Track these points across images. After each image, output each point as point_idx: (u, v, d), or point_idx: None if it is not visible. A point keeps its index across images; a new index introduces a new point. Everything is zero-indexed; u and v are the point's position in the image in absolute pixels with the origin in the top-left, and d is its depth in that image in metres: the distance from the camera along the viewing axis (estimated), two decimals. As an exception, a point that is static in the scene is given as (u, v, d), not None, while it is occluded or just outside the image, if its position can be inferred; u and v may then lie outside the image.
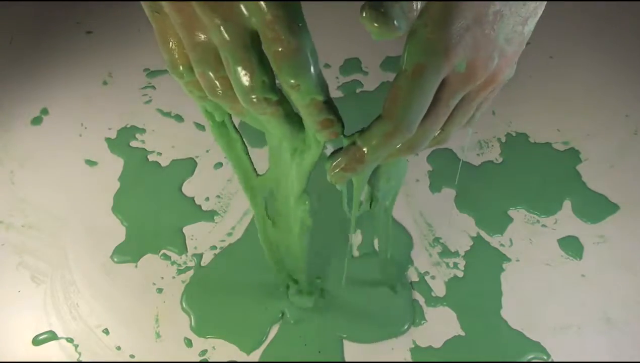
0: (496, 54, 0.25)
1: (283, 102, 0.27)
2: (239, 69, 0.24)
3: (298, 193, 0.32)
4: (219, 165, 0.53)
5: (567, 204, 0.50)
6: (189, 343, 0.43)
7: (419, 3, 0.24)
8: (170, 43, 0.27)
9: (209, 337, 0.43)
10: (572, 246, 0.47)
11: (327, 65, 0.61)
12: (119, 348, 0.43)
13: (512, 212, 0.49)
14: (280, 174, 0.32)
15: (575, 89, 0.58)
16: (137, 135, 0.55)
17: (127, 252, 0.48)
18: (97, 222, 0.50)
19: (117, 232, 0.49)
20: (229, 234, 0.48)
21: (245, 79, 0.25)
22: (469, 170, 0.52)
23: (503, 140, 0.54)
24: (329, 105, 0.27)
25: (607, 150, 0.53)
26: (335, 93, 0.58)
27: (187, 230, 0.49)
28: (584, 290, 0.45)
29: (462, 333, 0.43)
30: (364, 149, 0.28)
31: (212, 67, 0.25)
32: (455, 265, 0.46)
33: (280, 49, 0.24)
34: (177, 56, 0.27)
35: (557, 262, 0.47)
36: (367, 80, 0.59)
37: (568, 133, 0.55)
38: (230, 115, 0.32)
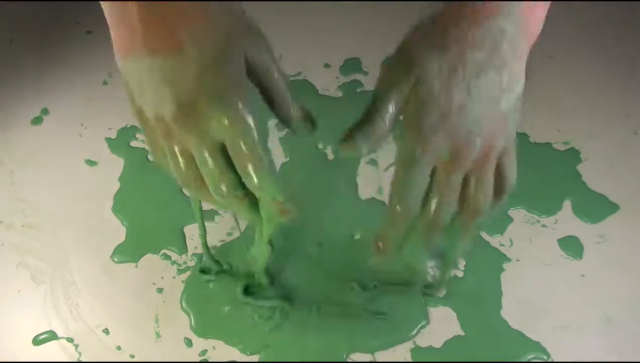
0: (474, 136, 0.28)
1: (248, 194, 0.30)
2: (211, 171, 0.28)
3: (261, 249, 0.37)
4: (219, 165, 0.53)
5: (567, 204, 0.50)
6: (189, 343, 0.43)
7: (388, 121, 0.29)
8: (156, 143, 0.30)
9: (208, 338, 0.43)
10: (572, 246, 0.47)
11: (327, 66, 0.61)
12: (119, 348, 0.43)
13: (512, 212, 0.49)
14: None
15: (575, 89, 0.58)
16: (138, 135, 0.55)
17: (127, 252, 0.48)
18: (97, 222, 0.50)
19: (117, 232, 0.49)
20: (229, 234, 0.48)
21: (215, 179, 0.28)
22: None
23: (503, 140, 0.54)
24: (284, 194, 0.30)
25: (607, 150, 0.53)
26: (335, 93, 0.58)
27: (187, 230, 0.49)
28: (584, 290, 0.45)
29: (462, 333, 0.43)
30: (379, 243, 0.32)
31: (188, 167, 0.29)
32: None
33: (247, 162, 0.28)
34: (158, 152, 0.31)
35: (557, 262, 0.47)
36: (368, 80, 0.59)
37: (568, 133, 0.55)
38: None
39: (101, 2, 0.29)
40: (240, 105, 0.27)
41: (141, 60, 0.27)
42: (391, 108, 0.29)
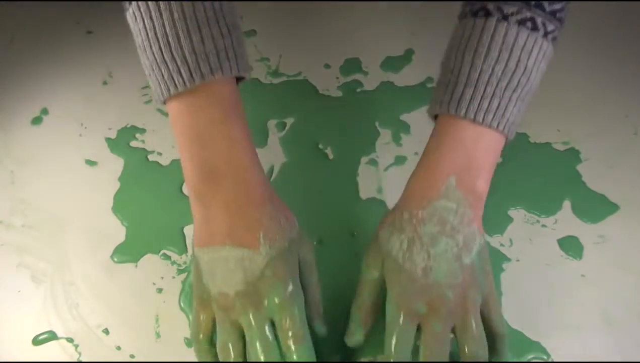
0: (444, 289, 0.34)
1: None
2: (259, 344, 0.33)
3: None
4: (219, 165, 0.53)
5: (567, 204, 0.50)
6: (189, 343, 0.43)
7: (370, 301, 0.36)
8: (201, 317, 0.36)
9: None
10: (572, 246, 0.47)
11: (327, 66, 0.61)
12: (119, 348, 0.43)
13: (512, 212, 0.49)
14: None
15: (575, 89, 0.58)
16: (137, 135, 0.55)
17: (127, 252, 0.48)
18: (97, 222, 0.50)
19: (117, 232, 0.49)
20: (229, 234, 0.48)
21: (263, 351, 0.33)
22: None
23: (503, 140, 0.54)
24: None
25: (607, 150, 0.53)
26: (335, 93, 0.58)
27: (187, 230, 0.49)
28: (584, 290, 0.45)
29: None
30: None
31: (234, 341, 0.35)
32: (455, 265, 0.47)
33: (290, 336, 0.33)
34: (207, 328, 0.36)
35: (557, 262, 0.47)
36: (367, 80, 0.59)
37: (568, 133, 0.55)
38: None
39: (192, 204, 0.37)
40: (292, 290, 0.34)
41: (221, 250, 0.34)
42: (370, 289, 0.36)
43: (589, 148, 0.53)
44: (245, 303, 0.34)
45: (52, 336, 0.43)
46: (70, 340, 0.43)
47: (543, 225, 0.49)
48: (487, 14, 0.36)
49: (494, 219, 0.49)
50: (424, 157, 0.38)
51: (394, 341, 0.34)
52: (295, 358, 0.33)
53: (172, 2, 0.33)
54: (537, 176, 0.52)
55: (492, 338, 0.36)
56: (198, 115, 0.35)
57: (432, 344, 0.34)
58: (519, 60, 0.35)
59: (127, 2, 0.36)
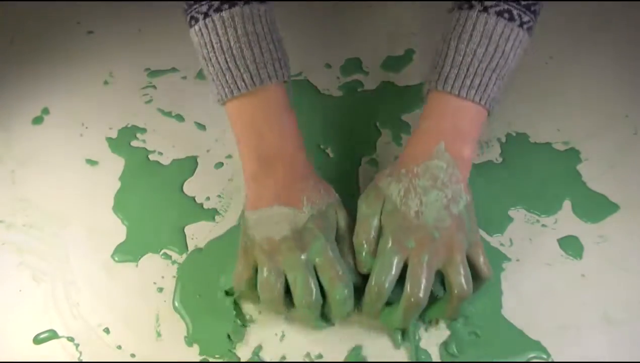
0: (432, 231, 0.39)
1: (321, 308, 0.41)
2: (303, 282, 0.39)
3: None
4: (219, 164, 0.53)
5: (567, 204, 0.50)
6: (189, 342, 0.43)
7: (373, 230, 0.41)
8: (244, 263, 0.41)
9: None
10: (572, 246, 0.47)
11: (327, 66, 0.61)
12: (119, 347, 0.43)
13: (512, 212, 0.49)
14: None
15: (575, 89, 0.58)
16: (138, 135, 0.56)
17: (128, 252, 0.48)
18: (98, 221, 0.50)
19: (118, 232, 0.49)
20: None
21: (305, 290, 0.39)
22: (469, 170, 0.52)
23: (503, 140, 0.54)
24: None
25: (607, 150, 0.53)
26: (335, 93, 0.59)
27: (188, 229, 0.49)
28: (584, 290, 0.45)
29: (463, 333, 0.43)
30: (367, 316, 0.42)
31: (274, 279, 0.39)
32: (456, 264, 0.47)
33: (331, 275, 0.39)
34: (247, 274, 0.41)
35: (557, 262, 0.47)
36: (368, 80, 0.60)
37: (568, 133, 0.55)
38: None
39: (247, 186, 0.43)
40: (331, 238, 0.41)
41: (269, 210, 0.41)
42: (371, 223, 0.41)
43: (589, 148, 0.53)
44: (291, 246, 0.39)
45: (52, 335, 0.43)
46: (70, 339, 0.43)
47: (543, 225, 0.49)
48: (470, 7, 0.42)
49: (494, 219, 0.49)
50: (417, 128, 0.44)
51: (378, 265, 0.39)
52: (335, 295, 0.39)
53: (235, 19, 0.41)
54: (537, 176, 0.52)
55: (476, 280, 0.40)
56: (256, 113, 0.42)
57: (417, 271, 0.38)
58: (497, 46, 0.41)
59: (193, 20, 0.42)
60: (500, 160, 0.53)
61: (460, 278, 0.39)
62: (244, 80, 0.41)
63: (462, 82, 0.41)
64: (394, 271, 0.39)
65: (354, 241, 0.42)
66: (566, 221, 0.49)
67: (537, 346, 0.42)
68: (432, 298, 0.41)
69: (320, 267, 0.40)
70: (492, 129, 0.55)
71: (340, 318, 0.42)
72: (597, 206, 0.50)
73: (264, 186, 0.42)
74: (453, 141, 0.42)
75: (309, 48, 0.62)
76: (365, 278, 0.41)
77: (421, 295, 0.38)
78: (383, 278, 0.39)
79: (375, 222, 0.41)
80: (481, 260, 0.41)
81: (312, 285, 0.39)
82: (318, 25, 0.65)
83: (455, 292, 0.39)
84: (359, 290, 0.41)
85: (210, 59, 0.42)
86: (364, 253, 0.41)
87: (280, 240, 0.40)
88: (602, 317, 0.44)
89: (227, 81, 0.41)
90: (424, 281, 0.38)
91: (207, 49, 0.42)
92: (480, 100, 0.42)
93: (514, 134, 0.55)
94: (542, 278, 0.46)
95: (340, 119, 0.56)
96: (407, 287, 0.38)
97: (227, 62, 0.41)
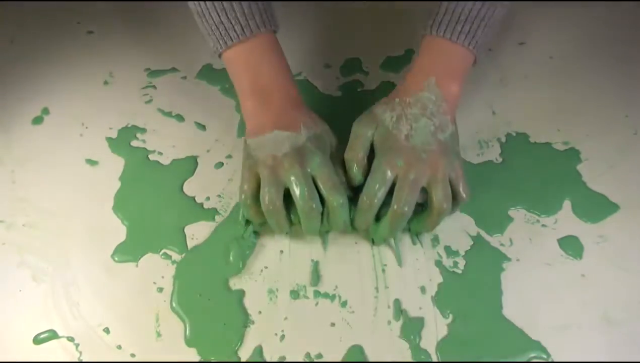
0: (419, 153, 0.44)
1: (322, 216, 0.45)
2: (305, 190, 0.43)
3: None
4: (219, 164, 0.53)
5: (567, 204, 0.50)
6: (189, 342, 0.43)
7: (363, 150, 0.46)
8: (247, 177, 0.45)
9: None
10: (572, 246, 0.47)
11: (327, 66, 0.61)
12: (119, 347, 0.43)
13: (512, 212, 0.50)
14: None
15: (575, 89, 0.58)
16: (138, 135, 0.56)
17: (128, 251, 0.48)
18: (98, 221, 0.50)
19: (118, 232, 0.49)
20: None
21: (307, 197, 0.43)
22: (469, 170, 0.52)
23: (503, 140, 0.54)
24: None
25: (607, 150, 0.53)
26: (335, 93, 0.59)
27: (188, 229, 0.49)
28: (584, 290, 0.45)
29: (463, 333, 0.43)
30: (358, 228, 0.47)
31: (277, 190, 0.43)
32: (455, 264, 0.47)
33: (329, 186, 0.44)
34: (250, 187, 0.45)
35: (557, 262, 0.47)
36: (368, 80, 0.60)
37: (568, 133, 0.55)
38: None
39: (245, 104, 0.48)
40: (327, 156, 0.46)
41: (270, 134, 0.45)
42: (363, 142, 0.46)
43: (589, 148, 0.53)
44: (292, 161, 0.44)
45: (52, 335, 0.43)
46: (70, 339, 0.43)
47: (543, 225, 0.49)
48: None
49: (494, 219, 0.49)
50: (411, 67, 0.49)
51: (371, 179, 0.44)
52: (333, 202, 0.44)
53: None
54: (537, 176, 0.52)
55: (455, 203, 0.45)
56: (249, 56, 0.47)
57: (404, 186, 0.43)
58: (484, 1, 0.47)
59: None
60: (500, 160, 0.53)
61: (441, 195, 0.43)
62: (235, 31, 0.46)
63: (454, 28, 0.46)
64: (385, 185, 0.43)
65: (345, 157, 0.46)
66: (566, 221, 0.49)
67: (537, 346, 0.42)
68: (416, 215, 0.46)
69: (319, 178, 0.44)
70: (492, 129, 0.55)
71: (337, 227, 0.45)
72: (597, 206, 0.50)
73: (263, 115, 0.46)
74: (442, 78, 0.47)
75: (309, 48, 0.63)
76: (354, 197, 0.46)
77: (406, 207, 0.43)
78: (374, 191, 0.43)
79: (367, 143, 0.46)
80: (461, 185, 0.44)
81: (313, 193, 0.43)
82: (318, 25, 0.65)
83: (435, 206, 0.43)
84: (350, 207, 0.46)
85: (204, 15, 0.47)
86: (354, 168, 0.46)
87: (282, 156, 0.44)
88: (602, 317, 0.44)
89: (220, 34, 0.47)
90: (409, 195, 0.43)
91: (202, 7, 0.47)
92: (469, 44, 0.47)
93: (514, 134, 0.55)
94: (542, 278, 0.46)
95: (340, 118, 0.56)
96: (395, 199, 0.43)
97: (219, 16, 0.46)
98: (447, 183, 0.44)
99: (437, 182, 0.43)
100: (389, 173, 0.43)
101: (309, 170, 0.44)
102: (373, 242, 0.47)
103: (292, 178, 0.43)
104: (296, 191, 0.43)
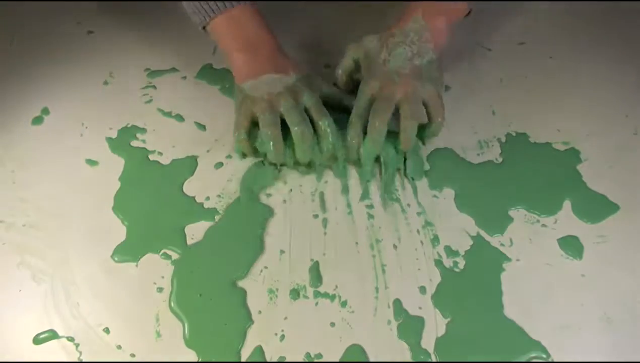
0: (394, 76, 0.51)
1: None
2: (299, 118, 0.50)
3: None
4: (219, 164, 0.53)
5: (567, 204, 0.50)
6: (188, 342, 0.43)
7: (347, 66, 0.55)
8: (242, 113, 0.51)
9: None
10: (572, 246, 0.47)
11: (327, 66, 0.61)
12: (119, 347, 0.43)
13: (512, 212, 0.49)
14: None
15: (575, 89, 0.58)
16: (138, 135, 0.56)
17: (128, 252, 0.48)
18: (97, 221, 0.50)
19: (118, 232, 0.49)
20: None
21: (300, 121, 0.49)
22: (469, 170, 0.52)
23: (503, 140, 0.54)
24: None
25: (607, 150, 0.53)
26: (335, 93, 0.59)
27: (188, 229, 0.49)
28: (584, 290, 0.45)
29: (463, 333, 0.43)
30: (351, 145, 0.52)
31: (275, 118, 0.50)
32: (455, 264, 0.47)
33: (320, 114, 0.51)
34: (244, 123, 0.51)
35: (557, 262, 0.47)
36: (368, 80, 0.59)
37: (568, 133, 0.55)
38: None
39: (235, 57, 0.53)
40: (316, 92, 0.53)
41: (262, 77, 0.51)
42: (350, 61, 0.55)
43: (589, 148, 0.53)
44: (287, 96, 0.50)
45: (52, 335, 0.43)
46: (70, 339, 0.43)
47: (543, 225, 0.49)
48: None
49: (494, 219, 0.49)
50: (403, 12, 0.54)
51: (356, 100, 0.52)
52: (322, 125, 0.51)
53: None
54: (537, 176, 0.52)
55: (431, 124, 0.51)
56: (231, 23, 0.52)
57: (381, 102, 0.50)
58: None
59: None
60: (500, 160, 0.53)
61: (407, 110, 0.49)
62: (217, 5, 0.51)
63: None
64: (366, 102, 0.51)
65: (336, 71, 0.55)
66: (566, 221, 0.49)
67: (537, 346, 0.42)
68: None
69: (311, 108, 0.51)
70: (492, 129, 0.55)
71: (328, 150, 0.51)
72: (597, 206, 0.50)
73: (255, 63, 0.52)
74: (429, 13, 0.52)
75: (309, 48, 0.62)
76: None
77: (378, 123, 0.49)
78: (359, 107, 0.51)
79: (352, 64, 0.55)
80: (433, 107, 0.50)
81: (305, 120, 0.50)
82: (318, 25, 0.65)
83: (402, 120, 0.49)
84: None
85: None
86: (339, 72, 0.55)
87: (278, 94, 0.50)
88: (602, 317, 0.44)
89: (204, 9, 0.51)
90: (383, 111, 0.49)
91: None
92: None
93: (514, 134, 0.55)
94: (542, 279, 0.46)
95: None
96: (370, 115, 0.49)
97: None
98: (417, 102, 0.49)
99: (406, 100, 0.49)
100: (368, 93, 0.51)
101: (302, 102, 0.51)
102: (360, 164, 0.52)
103: (288, 110, 0.50)
104: (291, 117, 0.49)
